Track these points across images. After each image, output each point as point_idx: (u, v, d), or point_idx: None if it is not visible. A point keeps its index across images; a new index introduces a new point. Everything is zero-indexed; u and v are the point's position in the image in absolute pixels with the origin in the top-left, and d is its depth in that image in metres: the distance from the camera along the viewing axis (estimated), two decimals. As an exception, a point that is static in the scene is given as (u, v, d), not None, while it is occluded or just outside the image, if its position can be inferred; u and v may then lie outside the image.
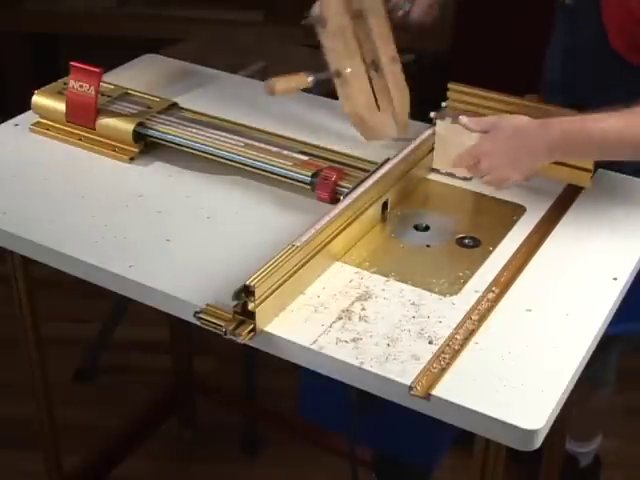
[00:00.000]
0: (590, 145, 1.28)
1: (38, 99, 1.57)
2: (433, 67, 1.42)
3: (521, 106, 1.41)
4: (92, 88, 1.50)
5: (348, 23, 1.34)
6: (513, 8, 2.83)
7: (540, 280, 1.22)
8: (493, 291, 1.19)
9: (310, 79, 1.39)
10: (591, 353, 1.13)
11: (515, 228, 1.33)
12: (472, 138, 1.40)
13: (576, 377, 1.08)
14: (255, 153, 1.43)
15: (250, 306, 1.09)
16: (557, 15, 1.57)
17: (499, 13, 2.86)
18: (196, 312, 1.12)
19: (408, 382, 1.03)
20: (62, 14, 3.27)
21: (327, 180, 1.36)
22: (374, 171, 1.35)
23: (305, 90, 1.75)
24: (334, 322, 1.13)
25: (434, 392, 1.02)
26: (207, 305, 1.13)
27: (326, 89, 2.12)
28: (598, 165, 1.42)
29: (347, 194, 1.30)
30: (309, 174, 1.37)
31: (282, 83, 1.35)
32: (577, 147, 1.29)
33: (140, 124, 1.50)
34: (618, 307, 1.22)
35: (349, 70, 1.36)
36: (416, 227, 1.33)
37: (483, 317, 1.14)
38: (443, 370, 1.05)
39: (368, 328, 1.12)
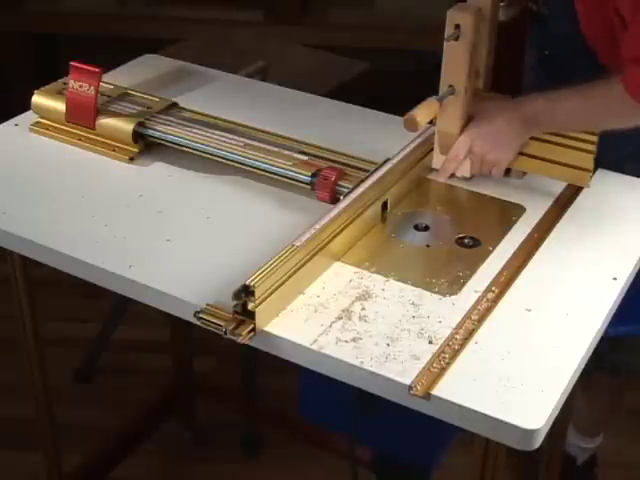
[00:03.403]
0: (556, 116, 1.35)
1: (38, 99, 1.57)
2: (433, 66, 1.42)
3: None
4: (92, 88, 1.50)
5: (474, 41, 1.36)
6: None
7: (540, 280, 1.22)
8: (493, 291, 1.19)
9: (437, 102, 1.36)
10: (591, 353, 1.13)
11: (515, 228, 1.33)
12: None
13: (576, 377, 1.08)
14: (255, 153, 1.43)
15: (250, 306, 1.09)
16: (531, 22, 1.58)
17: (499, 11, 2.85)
18: (196, 312, 1.12)
19: (408, 382, 1.03)
20: (62, 14, 3.27)
21: (327, 180, 1.36)
22: (374, 171, 1.35)
23: (301, 89, 1.75)
24: (334, 322, 1.13)
25: (434, 392, 1.02)
26: (207, 305, 1.13)
27: (328, 88, 2.13)
28: (598, 165, 1.42)
29: (347, 194, 1.30)
30: (309, 174, 1.37)
31: (422, 115, 1.32)
32: (548, 119, 1.35)
33: (140, 124, 1.50)
34: (624, 308, 1.22)
35: (463, 89, 1.36)
36: (416, 227, 1.33)
37: (483, 317, 1.14)
38: (443, 370, 1.05)
39: (368, 328, 1.12)
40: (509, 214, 1.37)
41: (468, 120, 1.40)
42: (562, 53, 1.51)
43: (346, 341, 1.10)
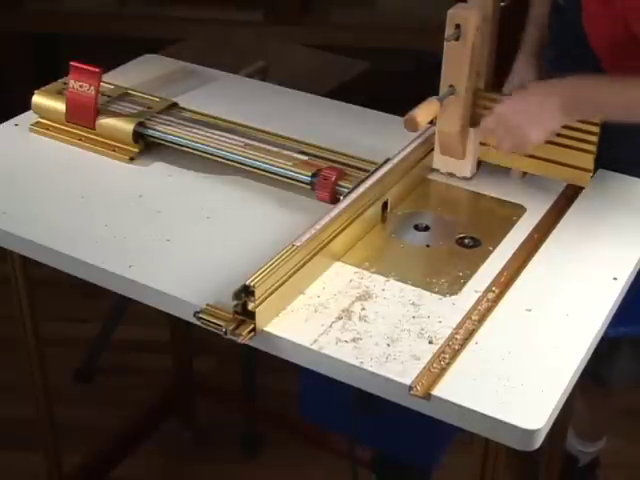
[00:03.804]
0: (601, 101, 1.33)
1: (38, 99, 1.57)
2: (433, 66, 1.42)
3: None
4: (92, 88, 1.50)
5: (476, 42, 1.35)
6: (514, 7, 2.82)
7: (540, 280, 1.22)
8: (493, 291, 1.19)
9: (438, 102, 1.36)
10: (591, 353, 1.13)
11: (515, 228, 1.33)
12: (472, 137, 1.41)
13: (576, 377, 1.08)
14: (255, 153, 1.43)
15: (250, 306, 1.09)
16: (552, 13, 1.58)
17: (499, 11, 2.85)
18: (196, 312, 1.12)
19: (408, 382, 1.03)
20: (62, 14, 3.27)
21: (327, 180, 1.36)
22: (374, 171, 1.35)
23: (301, 89, 1.75)
24: (334, 322, 1.13)
25: (434, 392, 1.02)
26: (207, 305, 1.13)
27: (328, 88, 2.13)
28: (598, 165, 1.42)
29: (347, 194, 1.30)
30: (309, 174, 1.37)
31: (422, 115, 1.31)
32: (589, 104, 1.33)
33: (140, 124, 1.50)
34: (624, 309, 1.22)
35: (464, 89, 1.36)
36: (416, 227, 1.33)
37: (483, 317, 1.14)
38: (443, 370, 1.05)
39: (368, 328, 1.12)
40: (509, 214, 1.36)
41: (469, 120, 1.39)
42: (576, 48, 1.50)
43: (346, 341, 1.10)
